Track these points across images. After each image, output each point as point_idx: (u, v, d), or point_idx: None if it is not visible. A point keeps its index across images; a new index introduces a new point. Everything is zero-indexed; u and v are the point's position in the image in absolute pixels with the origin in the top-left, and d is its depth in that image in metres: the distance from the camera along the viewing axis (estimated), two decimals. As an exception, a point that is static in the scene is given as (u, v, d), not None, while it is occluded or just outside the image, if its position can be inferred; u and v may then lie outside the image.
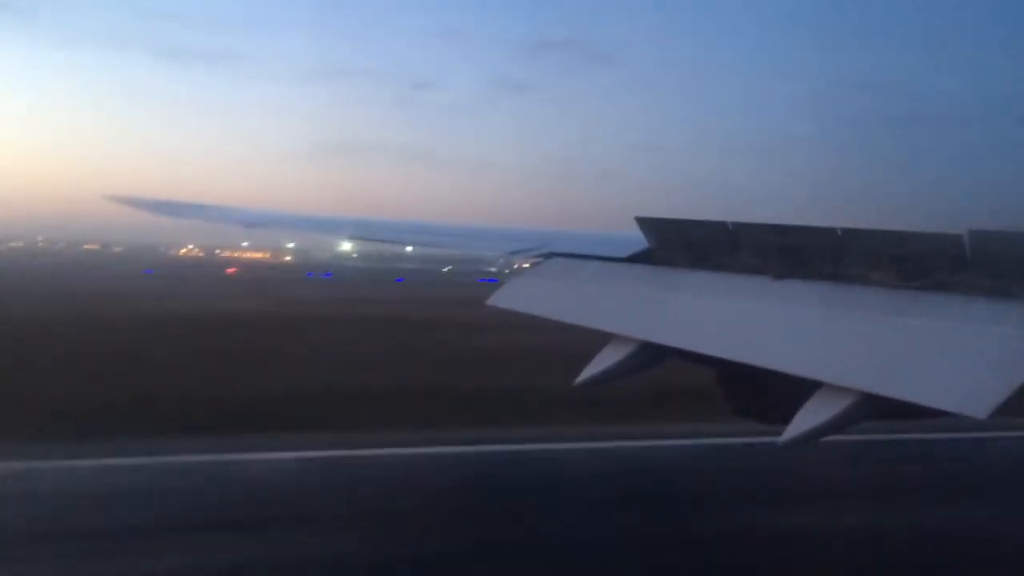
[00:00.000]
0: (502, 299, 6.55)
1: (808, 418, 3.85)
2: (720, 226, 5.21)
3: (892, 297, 4.08)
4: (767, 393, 4.98)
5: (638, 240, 5.87)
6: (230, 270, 78.19)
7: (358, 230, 11.76)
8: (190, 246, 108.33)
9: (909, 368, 3.65)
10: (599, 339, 5.40)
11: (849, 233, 4.43)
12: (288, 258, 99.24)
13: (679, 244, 5.56)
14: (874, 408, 3.75)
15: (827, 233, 4.52)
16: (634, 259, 5.91)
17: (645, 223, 5.73)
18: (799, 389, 3.94)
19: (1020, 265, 3.69)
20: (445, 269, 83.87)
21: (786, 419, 3.94)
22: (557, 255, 6.79)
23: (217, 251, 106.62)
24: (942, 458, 13.35)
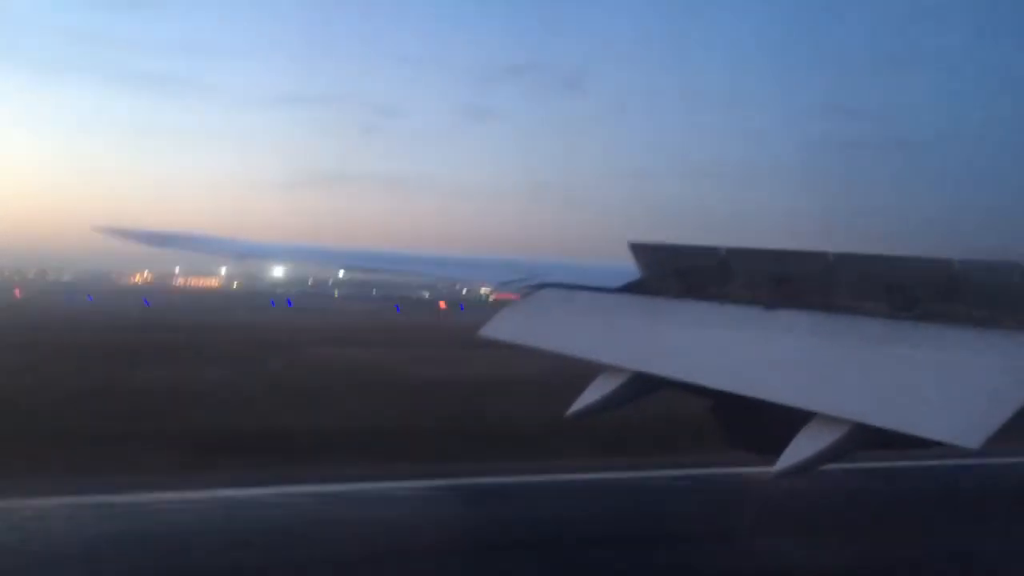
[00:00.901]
0: (494, 330, 6.54)
1: (800, 448, 3.86)
2: (713, 252, 5.25)
3: (884, 326, 4.12)
4: (761, 423, 4.99)
5: (630, 270, 5.90)
6: (16, 292, 77.56)
7: (348, 261, 11.79)
8: (146, 272, 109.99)
9: (901, 398, 3.68)
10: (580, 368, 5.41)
11: (841, 258, 4.48)
12: (235, 284, 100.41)
13: (672, 272, 5.59)
14: (867, 438, 3.77)
15: (820, 258, 4.57)
16: (627, 289, 5.93)
17: (638, 248, 5.76)
18: (793, 419, 3.96)
19: (1011, 295, 3.74)
20: (335, 294, 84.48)
21: (780, 449, 3.95)
22: (549, 285, 6.81)
23: (173, 278, 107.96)
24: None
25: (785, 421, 4.04)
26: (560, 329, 6.25)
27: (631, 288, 5.91)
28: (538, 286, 6.91)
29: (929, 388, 3.63)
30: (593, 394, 5.20)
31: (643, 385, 5.08)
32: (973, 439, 3.15)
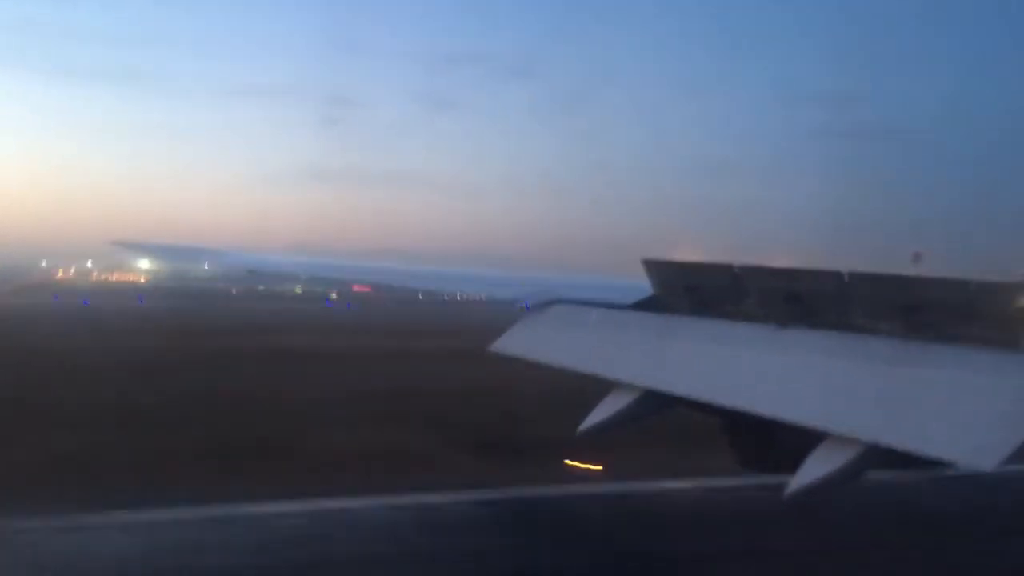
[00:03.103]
0: (506, 345, 6.55)
1: (813, 470, 3.84)
2: (726, 270, 5.26)
3: (898, 347, 4.10)
4: (773, 443, 4.97)
5: (642, 288, 5.92)
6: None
7: (358, 275, 11.88)
8: (71, 269, 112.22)
9: (914, 419, 3.66)
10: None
11: (855, 277, 4.48)
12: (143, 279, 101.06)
13: (684, 289, 5.59)
14: (879, 459, 3.75)
15: (834, 277, 4.57)
16: (639, 306, 5.94)
17: (651, 265, 5.77)
18: (805, 439, 3.94)
19: None
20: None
21: (792, 469, 3.93)
22: (561, 301, 6.82)
23: (94, 273, 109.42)
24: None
25: (797, 441, 4.02)
26: (572, 345, 6.25)
27: (643, 305, 5.92)
28: (550, 302, 6.92)
29: (943, 409, 3.61)
30: (604, 411, 5.20)
31: (654, 402, 5.07)
32: (987, 461, 3.14)
